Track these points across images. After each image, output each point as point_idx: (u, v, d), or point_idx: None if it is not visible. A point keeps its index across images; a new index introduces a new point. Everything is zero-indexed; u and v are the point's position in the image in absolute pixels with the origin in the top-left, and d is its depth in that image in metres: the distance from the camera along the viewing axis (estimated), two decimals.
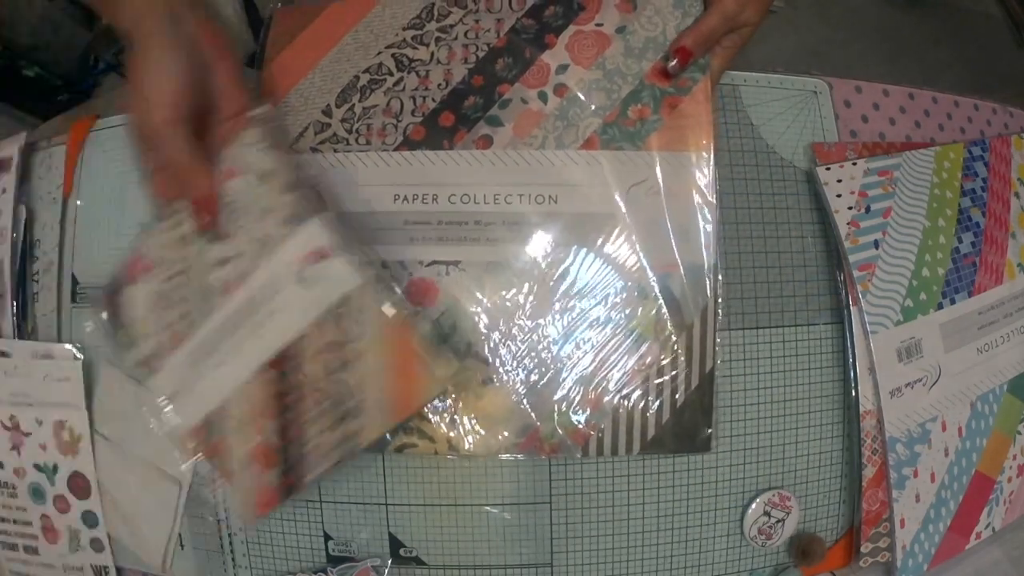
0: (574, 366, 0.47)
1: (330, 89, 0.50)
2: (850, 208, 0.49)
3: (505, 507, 0.48)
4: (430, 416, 0.46)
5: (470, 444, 0.47)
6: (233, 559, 0.51)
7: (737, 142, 0.50)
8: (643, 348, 0.47)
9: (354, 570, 0.48)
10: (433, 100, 0.49)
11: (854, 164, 0.50)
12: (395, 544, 0.49)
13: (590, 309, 0.47)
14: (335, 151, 0.48)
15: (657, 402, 0.47)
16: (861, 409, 0.48)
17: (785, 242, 0.50)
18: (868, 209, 0.49)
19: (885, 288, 0.49)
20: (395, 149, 0.48)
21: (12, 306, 0.54)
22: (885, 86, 0.53)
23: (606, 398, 0.47)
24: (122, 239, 0.53)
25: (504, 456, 0.47)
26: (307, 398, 0.41)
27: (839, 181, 0.49)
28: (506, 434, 0.47)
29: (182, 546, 0.52)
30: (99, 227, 0.53)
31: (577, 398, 0.47)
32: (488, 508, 0.48)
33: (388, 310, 0.40)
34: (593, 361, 0.47)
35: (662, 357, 0.47)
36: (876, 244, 0.49)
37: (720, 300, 0.47)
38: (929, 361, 0.49)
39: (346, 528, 0.49)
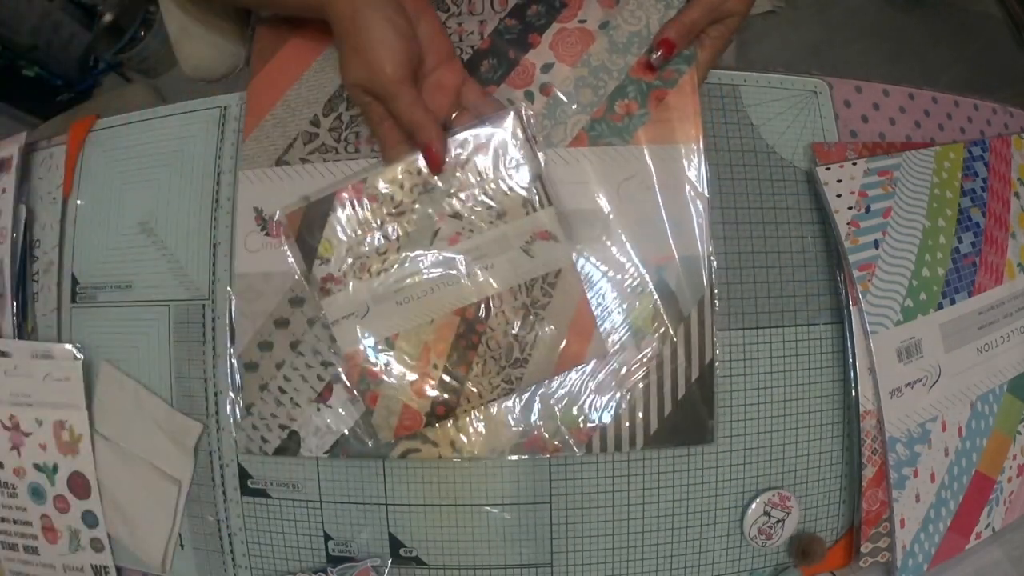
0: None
1: (316, 99, 0.50)
2: (850, 208, 0.49)
3: (505, 507, 0.48)
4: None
5: (473, 446, 0.47)
6: (233, 559, 0.51)
7: (737, 142, 0.50)
8: (642, 342, 0.47)
9: (354, 570, 0.48)
10: None
11: (854, 164, 0.50)
12: (395, 544, 0.49)
13: None
14: (324, 161, 0.49)
15: (658, 395, 0.47)
16: (861, 409, 0.48)
17: (785, 242, 0.50)
18: (868, 209, 0.49)
19: (885, 288, 0.49)
20: None
21: (12, 306, 0.54)
22: (885, 86, 0.53)
23: (607, 394, 0.47)
24: (122, 239, 0.53)
25: (508, 457, 0.47)
26: (482, 345, 0.46)
27: (839, 181, 0.49)
28: (508, 435, 0.47)
29: (182, 546, 0.52)
30: (99, 227, 0.54)
31: (578, 396, 0.47)
32: (488, 508, 0.48)
33: (580, 289, 0.46)
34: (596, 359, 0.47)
35: (661, 350, 0.47)
36: (876, 244, 0.49)
37: (716, 291, 0.47)
38: (929, 361, 0.49)
39: (346, 528, 0.49)
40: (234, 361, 0.49)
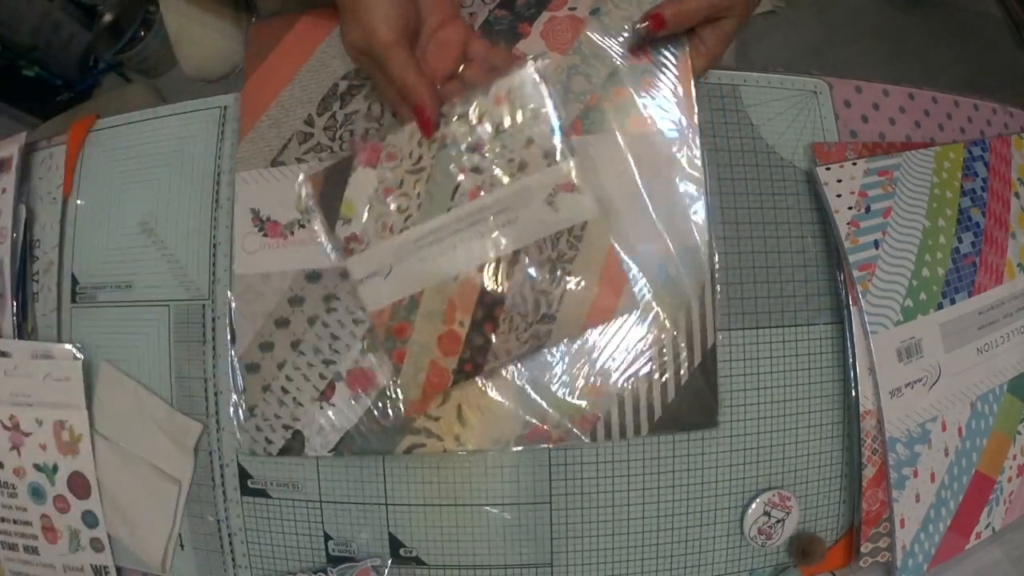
0: (576, 352, 0.47)
1: (310, 99, 0.50)
2: (850, 208, 0.49)
3: (505, 507, 0.48)
4: (436, 414, 0.47)
5: (477, 439, 0.46)
6: (233, 559, 0.51)
7: (737, 142, 0.50)
8: (643, 329, 0.47)
9: (354, 570, 0.48)
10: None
11: (854, 164, 0.50)
12: (395, 544, 0.49)
13: None
14: (320, 160, 0.49)
15: (661, 382, 0.47)
16: (861, 409, 0.48)
17: (785, 242, 0.50)
18: (868, 209, 0.49)
19: (885, 288, 0.49)
20: None
21: (12, 306, 0.54)
22: (885, 86, 0.53)
23: (610, 382, 0.46)
24: (122, 239, 0.53)
25: (512, 448, 0.47)
26: (508, 300, 0.45)
27: (839, 181, 0.49)
28: (512, 426, 0.46)
29: (182, 546, 0.52)
30: (99, 227, 0.54)
31: (581, 384, 0.47)
32: (488, 508, 0.48)
33: (609, 241, 0.45)
34: (595, 346, 0.47)
35: (663, 336, 0.47)
36: (876, 244, 0.49)
37: (716, 275, 0.47)
38: (929, 361, 0.49)
39: (346, 528, 0.49)
40: (236, 363, 0.49)
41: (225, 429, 0.50)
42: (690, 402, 0.47)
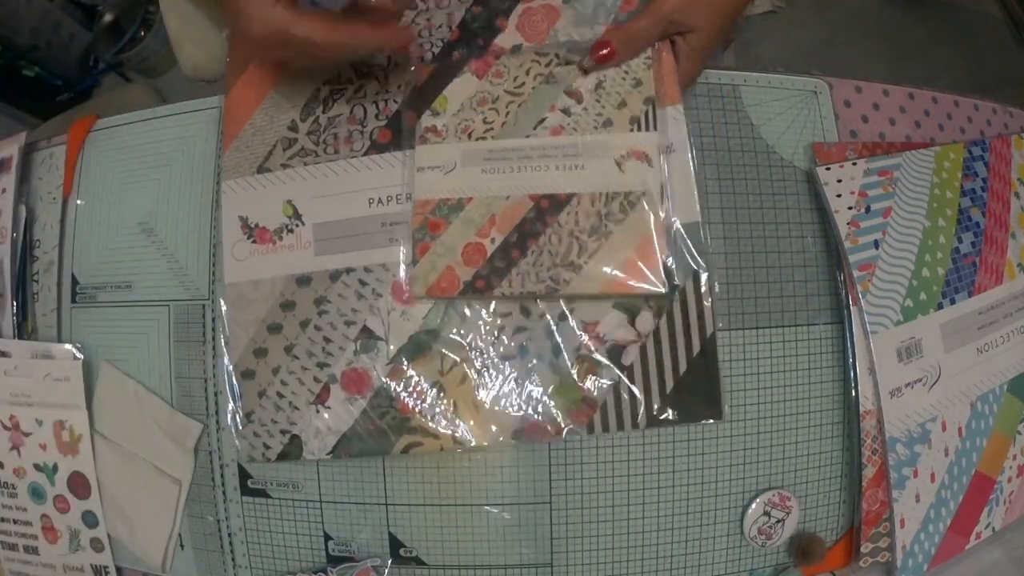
0: (570, 345, 0.47)
1: (293, 104, 0.50)
2: (850, 208, 0.49)
3: (505, 507, 0.48)
4: (432, 412, 0.47)
5: (474, 436, 0.46)
6: (233, 559, 0.51)
7: (737, 142, 0.50)
8: (637, 319, 0.47)
9: (354, 570, 0.48)
10: (395, 102, 0.49)
11: (854, 164, 0.50)
12: (395, 544, 0.49)
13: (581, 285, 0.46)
14: (305, 164, 0.49)
15: (659, 373, 0.46)
16: (861, 409, 0.48)
17: (785, 242, 0.50)
18: (868, 209, 0.49)
19: (885, 288, 0.49)
20: (364, 155, 0.48)
21: (12, 306, 0.54)
22: (885, 86, 0.53)
23: (606, 374, 0.46)
24: (122, 239, 0.53)
25: (509, 443, 0.47)
26: (544, 236, 0.46)
27: (839, 181, 0.49)
28: (508, 421, 0.46)
29: (182, 546, 0.52)
30: (99, 227, 0.54)
31: (577, 377, 0.46)
32: (488, 508, 0.48)
33: (658, 219, 0.46)
34: (590, 337, 0.47)
35: (658, 326, 0.47)
36: (876, 244, 0.49)
37: (709, 258, 0.47)
38: (929, 361, 0.49)
39: (346, 528, 0.49)
40: (230, 370, 0.49)
41: (225, 429, 0.50)
42: (690, 393, 0.46)
